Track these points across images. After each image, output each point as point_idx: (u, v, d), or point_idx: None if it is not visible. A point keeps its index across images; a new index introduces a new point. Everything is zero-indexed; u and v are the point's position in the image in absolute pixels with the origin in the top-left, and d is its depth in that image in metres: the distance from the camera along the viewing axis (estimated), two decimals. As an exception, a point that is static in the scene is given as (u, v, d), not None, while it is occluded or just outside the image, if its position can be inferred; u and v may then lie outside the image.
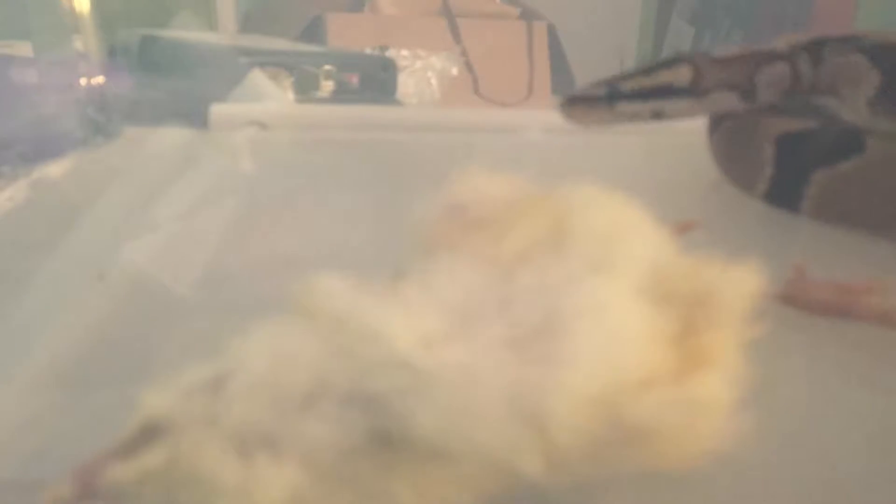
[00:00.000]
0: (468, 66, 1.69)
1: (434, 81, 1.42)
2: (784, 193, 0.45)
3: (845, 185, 0.41)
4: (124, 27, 0.92)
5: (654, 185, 0.48)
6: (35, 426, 0.28)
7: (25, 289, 0.37)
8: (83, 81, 0.68)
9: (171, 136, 0.61)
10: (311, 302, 0.23)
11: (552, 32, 1.83)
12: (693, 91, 0.46)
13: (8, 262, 0.41)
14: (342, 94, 0.98)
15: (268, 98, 0.78)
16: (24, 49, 0.68)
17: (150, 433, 0.21)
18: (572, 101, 0.46)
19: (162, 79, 0.79)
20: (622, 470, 0.23)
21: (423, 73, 1.42)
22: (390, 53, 1.33)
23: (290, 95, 0.91)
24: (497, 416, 0.20)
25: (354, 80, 1.02)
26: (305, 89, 0.93)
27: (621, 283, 0.24)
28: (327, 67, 0.97)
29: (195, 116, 0.64)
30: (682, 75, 0.46)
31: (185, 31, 1.01)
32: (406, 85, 1.28)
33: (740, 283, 0.25)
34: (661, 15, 2.22)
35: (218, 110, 0.65)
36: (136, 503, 0.21)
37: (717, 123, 0.50)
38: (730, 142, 0.49)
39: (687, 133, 0.52)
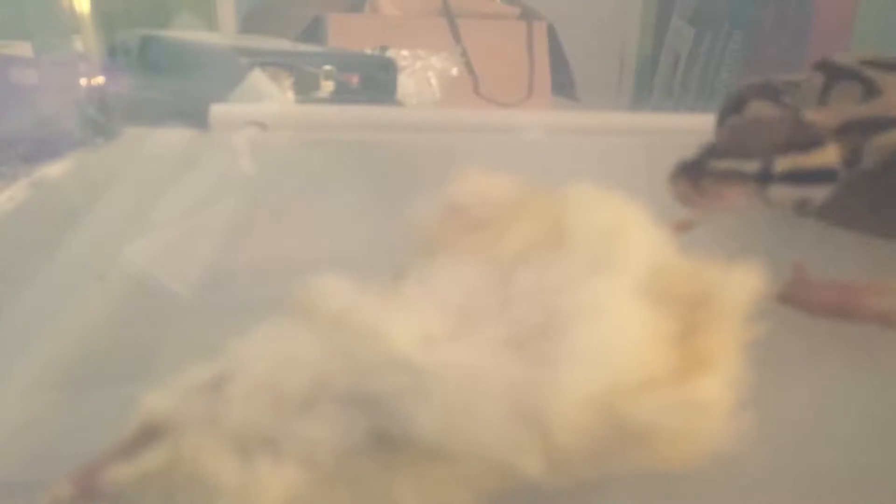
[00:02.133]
0: (468, 66, 1.68)
1: (434, 82, 1.42)
2: None
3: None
4: (124, 27, 0.92)
5: (655, 184, 0.48)
6: (35, 426, 0.28)
7: (26, 289, 0.37)
8: (83, 82, 0.68)
9: (172, 137, 0.61)
10: (312, 302, 0.23)
11: (552, 32, 1.83)
12: (840, 172, 0.36)
13: (8, 263, 0.41)
14: (342, 95, 0.97)
15: (268, 98, 0.78)
16: (24, 49, 0.68)
17: (150, 434, 0.21)
18: (694, 174, 0.34)
19: (162, 79, 0.79)
20: (622, 470, 0.23)
21: (423, 73, 1.42)
22: (390, 54, 1.33)
23: (291, 96, 0.90)
24: (497, 416, 0.20)
25: (354, 80, 1.02)
26: (305, 89, 0.93)
27: (621, 284, 0.24)
28: (327, 68, 0.97)
29: (195, 116, 0.64)
30: (832, 155, 0.36)
31: (186, 32, 1.01)
32: (406, 85, 1.28)
33: (740, 283, 0.25)
34: (661, 15, 2.22)
35: (218, 110, 0.65)
36: (136, 504, 0.21)
37: (723, 119, 0.49)
38: (734, 139, 0.48)
39: (689, 133, 0.52)
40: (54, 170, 0.55)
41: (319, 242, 0.43)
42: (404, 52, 1.41)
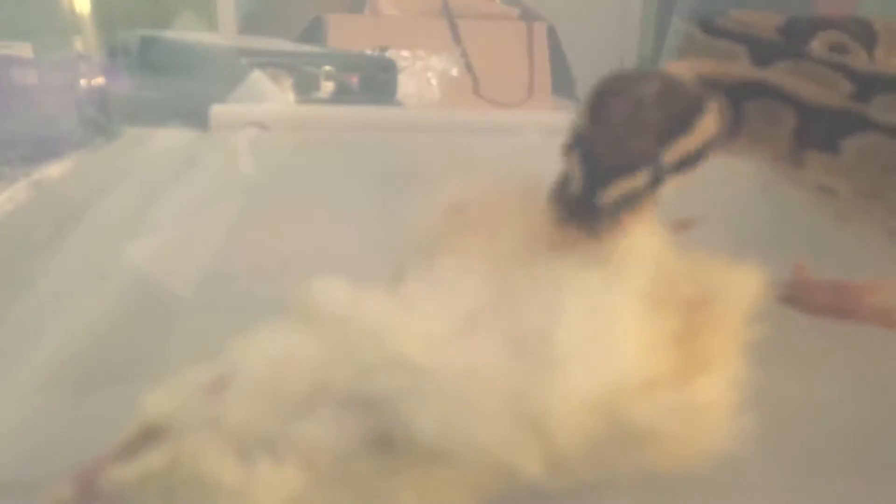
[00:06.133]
0: (468, 67, 1.68)
1: (434, 82, 1.42)
2: None
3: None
4: (124, 28, 0.92)
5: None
6: (35, 426, 0.28)
7: (26, 289, 0.37)
8: (83, 82, 0.68)
9: (172, 137, 0.61)
10: (312, 303, 0.23)
11: (552, 33, 1.83)
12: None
13: (9, 263, 0.41)
14: (342, 95, 0.97)
15: (268, 99, 0.78)
16: (24, 50, 0.68)
17: (150, 435, 0.21)
18: (587, 215, 0.26)
19: (162, 79, 0.79)
20: (622, 471, 0.23)
21: (423, 73, 1.42)
22: (390, 54, 1.33)
23: (291, 96, 0.90)
24: (497, 417, 0.20)
25: (354, 80, 1.02)
26: (305, 90, 0.93)
27: (621, 284, 0.24)
28: (327, 68, 0.97)
29: (195, 117, 0.64)
30: (712, 122, 0.30)
31: (186, 32, 1.01)
32: (406, 85, 1.27)
33: (741, 284, 0.25)
34: (661, 15, 2.22)
35: (218, 111, 0.65)
36: (137, 504, 0.21)
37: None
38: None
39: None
40: (54, 170, 0.55)
41: (319, 243, 0.43)
42: (404, 53, 1.41)
